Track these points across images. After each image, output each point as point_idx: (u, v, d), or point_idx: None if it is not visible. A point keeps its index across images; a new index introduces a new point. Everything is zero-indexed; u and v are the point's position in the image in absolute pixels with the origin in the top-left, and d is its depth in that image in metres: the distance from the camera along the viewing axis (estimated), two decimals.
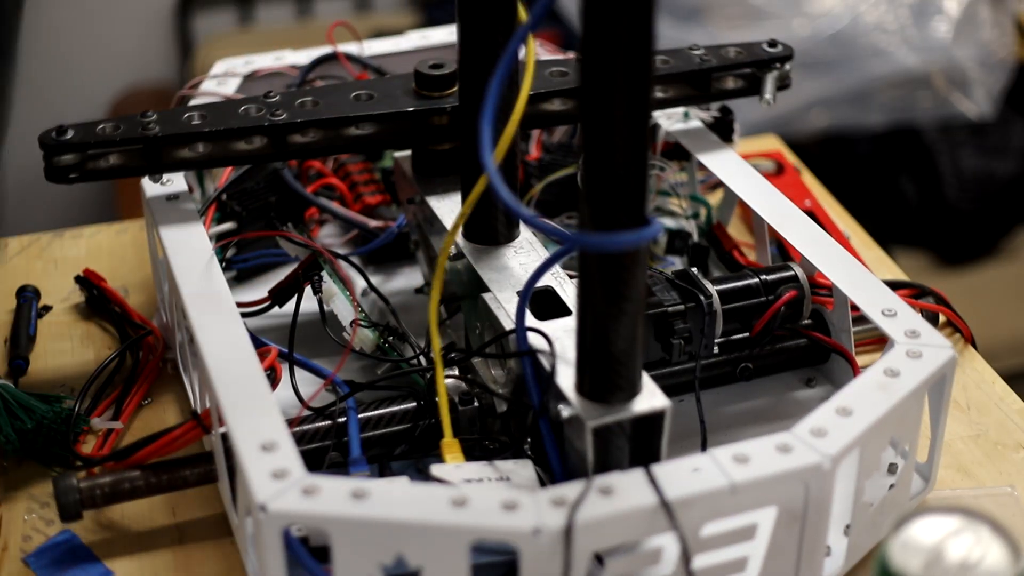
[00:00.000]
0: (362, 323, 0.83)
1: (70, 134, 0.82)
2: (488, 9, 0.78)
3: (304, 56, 1.03)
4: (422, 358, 0.83)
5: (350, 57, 1.02)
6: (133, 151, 0.83)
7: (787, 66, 0.95)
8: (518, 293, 0.79)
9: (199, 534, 0.78)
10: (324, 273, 0.85)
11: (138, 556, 0.76)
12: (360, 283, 0.92)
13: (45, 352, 0.93)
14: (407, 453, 0.77)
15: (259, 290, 0.95)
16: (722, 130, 0.97)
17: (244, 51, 1.07)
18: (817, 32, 1.65)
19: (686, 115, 0.97)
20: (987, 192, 1.95)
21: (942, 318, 0.91)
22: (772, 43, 0.96)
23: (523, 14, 0.78)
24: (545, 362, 0.71)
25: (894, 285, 0.83)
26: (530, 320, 0.75)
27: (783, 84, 0.96)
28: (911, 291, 0.90)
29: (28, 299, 0.96)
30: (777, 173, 1.10)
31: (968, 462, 0.82)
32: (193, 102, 0.96)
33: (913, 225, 1.94)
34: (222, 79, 1.00)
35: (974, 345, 0.91)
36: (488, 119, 0.61)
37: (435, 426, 0.77)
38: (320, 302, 0.84)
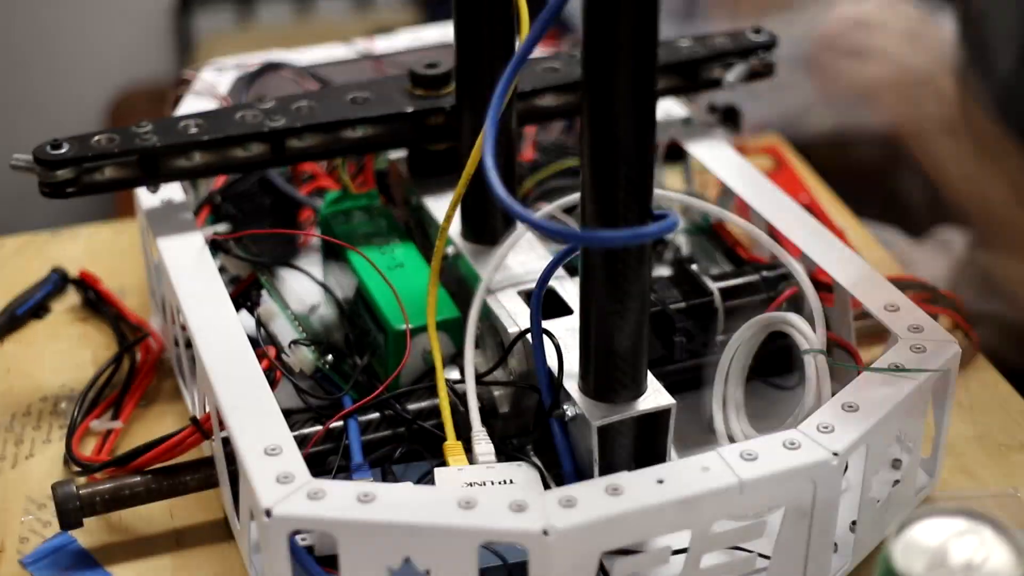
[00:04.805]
0: (302, 343, 0.80)
1: (65, 148, 0.81)
2: (485, 6, 0.78)
3: (297, 55, 1.03)
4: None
5: (292, 67, 1.02)
6: (129, 162, 0.82)
7: (771, 54, 0.96)
8: (519, 293, 0.78)
9: (197, 538, 0.77)
10: (264, 293, 0.83)
11: (136, 560, 0.76)
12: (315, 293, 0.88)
13: (42, 352, 0.93)
14: (406, 456, 0.77)
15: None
16: (729, 123, 0.97)
17: (243, 50, 1.07)
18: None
19: (688, 121, 0.97)
20: None
21: (948, 321, 0.91)
22: (756, 30, 0.96)
23: (523, 15, 0.77)
24: (551, 362, 0.71)
25: (904, 285, 0.82)
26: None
27: (766, 71, 0.96)
28: (922, 294, 0.90)
29: (50, 280, 0.97)
30: (775, 169, 1.10)
31: (972, 463, 0.82)
32: (185, 105, 0.95)
33: (914, 225, 1.94)
34: (216, 78, 0.99)
35: (979, 348, 0.91)
36: (492, 120, 0.60)
37: (423, 432, 0.76)
38: (257, 322, 0.81)
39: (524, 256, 0.82)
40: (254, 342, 0.75)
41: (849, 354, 0.82)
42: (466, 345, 0.75)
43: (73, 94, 2.45)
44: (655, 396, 0.69)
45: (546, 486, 0.71)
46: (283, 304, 0.82)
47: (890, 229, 1.25)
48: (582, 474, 0.69)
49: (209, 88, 0.98)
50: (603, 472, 0.68)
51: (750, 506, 0.65)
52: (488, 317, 0.78)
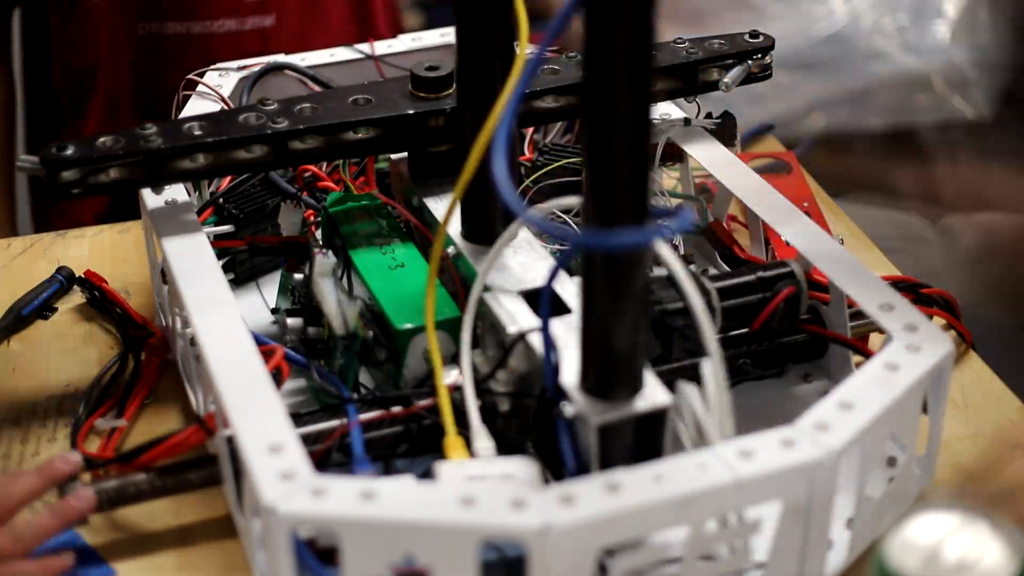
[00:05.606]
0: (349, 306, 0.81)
1: (70, 150, 0.81)
2: (486, 10, 0.78)
3: (297, 59, 1.04)
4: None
5: (295, 69, 1.03)
6: (134, 164, 0.83)
7: (768, 57, 0.97)
8: (519, 293, 0.79)
9: (201, 535, 0.78)
10: (319, 252, 0.84)
11: (140, 556, 0.77)
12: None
13: (48, 351, 0.94)
14: (410, 451, 0.77)
15: (255, 294, 0.96)
16: (724, 136, 0.98)
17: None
18: (815, 34, 1.66)
19: (687, 122, 0.98)
20: None
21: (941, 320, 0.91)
22: (754, 34, 0.97)
23: (522, 18, 0.78)
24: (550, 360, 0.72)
25: (900, 285, 0.83)
26: (531, 319, 0.76)
27: (764, 73, 0.97)
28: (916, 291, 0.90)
29: (56, 280, 0.98)
30: (786, 173, 1.10)
31: (966, 461, 0.82)
32: (189, 107, 0.96)
33: None
34: (217, 81, 1.00)
35: (973, 347, 0.92)
36: (505, 130, 0.61)
37: (430, 428, 0.77)
38: (307, 278, 0.82)
39: (524, 256, 0.83)
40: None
41: (849, 347, 0.83)
42: (462, 343, 0.75)
43: None
44: (653, 394, 0.70)
45: (544, 481, 0.72)
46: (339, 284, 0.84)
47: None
48: (580, 470, 0.70)
49: (212, 91, 0.99)
50: (601, 468, 0.69)
51: (747, 503, 0.66)
52: (488, 317, 0.79)
